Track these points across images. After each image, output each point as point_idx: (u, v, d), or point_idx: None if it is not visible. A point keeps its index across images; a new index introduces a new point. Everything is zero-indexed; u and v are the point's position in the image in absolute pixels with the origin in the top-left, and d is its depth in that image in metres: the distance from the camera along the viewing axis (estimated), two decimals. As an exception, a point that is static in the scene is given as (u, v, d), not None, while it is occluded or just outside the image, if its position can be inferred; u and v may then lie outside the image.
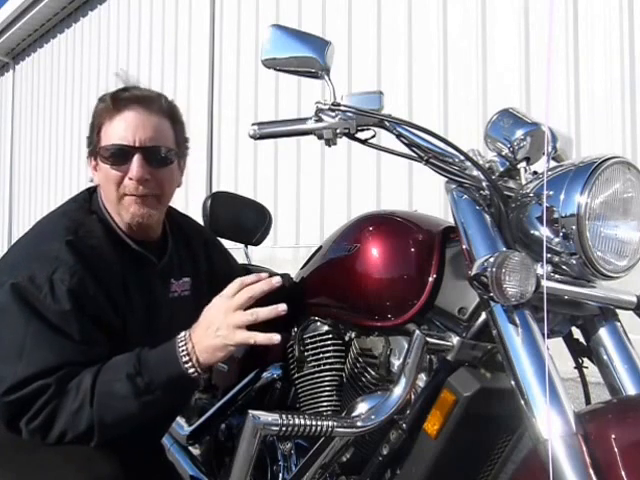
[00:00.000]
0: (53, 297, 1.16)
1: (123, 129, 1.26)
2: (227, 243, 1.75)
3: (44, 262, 1.19)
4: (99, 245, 1.27)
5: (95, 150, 1.31)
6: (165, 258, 1.40)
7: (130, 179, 1.26)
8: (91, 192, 1.38)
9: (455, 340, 1.16)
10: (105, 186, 1.30)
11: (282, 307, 1.13)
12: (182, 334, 1.17)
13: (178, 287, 1.43)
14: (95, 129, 1.31)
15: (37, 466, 1.18)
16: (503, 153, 1.23)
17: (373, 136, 1.24)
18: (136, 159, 1.26)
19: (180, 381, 1.15)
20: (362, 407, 1.22)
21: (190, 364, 1.13)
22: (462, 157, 1.19)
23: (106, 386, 1.13)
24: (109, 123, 1.28)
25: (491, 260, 0.99)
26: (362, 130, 1.22)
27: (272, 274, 1.76)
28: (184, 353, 1.14)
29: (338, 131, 1.20)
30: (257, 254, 2.33)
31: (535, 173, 1.22)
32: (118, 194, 1.28)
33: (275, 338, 1.11)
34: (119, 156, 1.26)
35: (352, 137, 1.22)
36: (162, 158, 1.30)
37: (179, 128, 1.36)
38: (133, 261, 1.32)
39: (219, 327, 1.13)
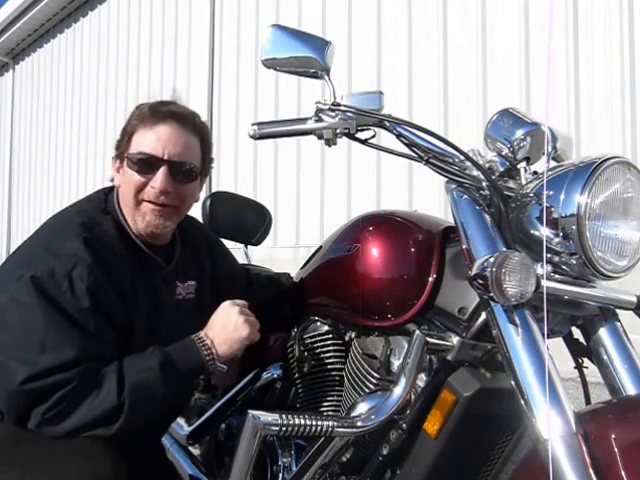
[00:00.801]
0: (72, 293, 1.20)
1: (155, 140, 1.31)
2: (227, 243, 1.75)
3: (62, 258, 1.22)
4: (112, 245, 1.30)
5: (123, 154, 1.35)
6: (173, 262, 1.43)
7: (152, 187, 1.31)
8: (106, 193, 1.41)
9: (455, 340, 1.16)
10: (126, 190, 1.34)
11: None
12: (197, 333, 1.30)
13: (183, 290, 1.46)
14: (127, 135, 1.35)
15: (39, 462, 1.19)
16: (503, 153, 1.23)
17: (373, 136, 1.24)
18: (162, 171, 1.31)
19: (201, 372, 1.29)
20: (362, 407, 1.22)
21: (211, 356, 1.28)
22: (462, 157, 1.19)
23: (138, 376, 1.20)
24: (143, 132, 1.33)
25: (491, 260, 0.99)
26: (362, 130, 1.22)
27: (272, 274, 1.78)
28: (204, 347, 1.28)
29: (338, 131, 1.20)
30: (257, 254, 2.33)
31: (535, 173, 1.22)
32: (137, 199, 1.32)
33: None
34: (147, 165, 1.31)
35: (352, 137, 1.22)
36: (186, 174, 1.35)
37: (206, 148, 1.42)
38: (142, 263, 1.36)
39: (235, 322, 1.30)
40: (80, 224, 1.29)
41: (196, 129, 1.37)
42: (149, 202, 1.32)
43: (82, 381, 1.16)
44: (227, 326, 1.30)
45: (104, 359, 1.20)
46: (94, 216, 1.33)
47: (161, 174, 1.30)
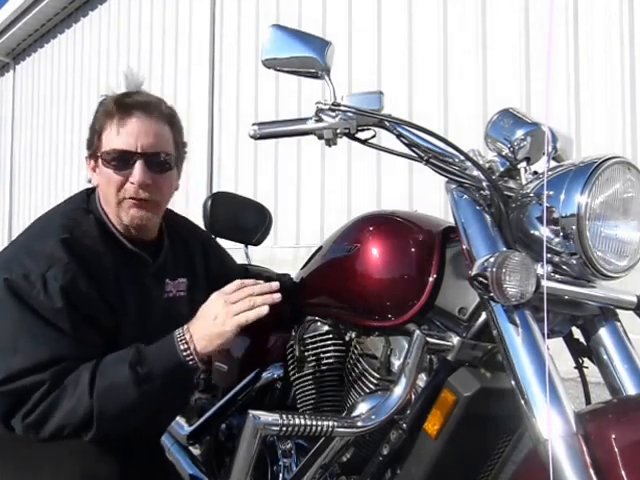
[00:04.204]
0: (46, 294, 1.18)
1: (126, 135, 1.29)
2: (227, 243, 1.75)
3: (38, 259, 1.22)
4: (94, 245, 1.29)
5: (95, 153, 1.33)
6: (160, 258, 1.42)
7: (132, 183, 1.29)
8: (88, 193, 1.40)
9: (455, 340, 1.16)
10: (105, 189, 1.32)
11: (277, 295, 1.21)
12: (181, 327, 1.22)
13: (173, 287, 1.44)
14: (96, 132, 1.33)
15: (36, 461, 1.19)
16: (503, 153, 1.23)
17: (373, 136, 1.24)
18: (138, 165, 1.29)
19: (179, 370, 1.20)
20: (362, 407, 1.22)
21: (188, 352, 1.19)
22: (462, 157, 1.19)
23: (106, 377, 1.16)
24: (111, 128, 1.30)
25: (491, 260, 0.99)
26: (362, 130, 1.22)
27: (272, 274, 1.78)
28: (182, 342, 1.19)
29: (338, 131, 1.20)
30: (257, 254, 2.33)
31: (535, 173, 1.22)
32: (118, 198, 1.31)
33: (264, 310, 1.19)
34: (122, 161, 1.29)
35: (352, 137, 1.22)
36: (163, 164, 1.33)
37: (177, 133, 1.39)
38: (128, 261, 1.34)
39: (217, 316, 1.19)
40: (60, 225, 1.28)
41: (164, 116, 1.35)
42: (130, 198, 1.30)
43: (57, 382, 1.15)
44: (208, 319, 1.20)
45: (82, 359, 1.18)
46: (75, 217, 1.32)
47: (138, 168, 1.28)
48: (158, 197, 1.33)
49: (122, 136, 1.29)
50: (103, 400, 1.15)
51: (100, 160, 1.31)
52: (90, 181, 1.39)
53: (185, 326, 1.22)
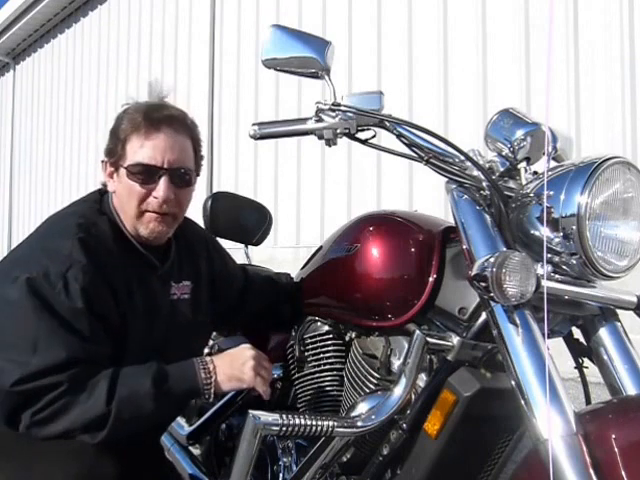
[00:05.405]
0: (67, 294, 1.19)
1: (152, 149, 1.30)
2: (227, 243, 1.75)
3: (57, 259, 1.22)
4: (108, 245, 1.30)
5: (118, 162, 1.33)
6: (168, 262, 1.43)
7: (155, 197, 1.31)
8: (101, 194, 1.41)
9: (455, 340, 1.16)
10: (126, 199, 1.33)
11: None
12: (203, 357, 1.28)
13: (178, 290, 1.45)
14: (120, 141, 1.32)
15: (34, 460, 1.19)
16: (503, 153, 1.23)
17: (373, 136, 1.24)
18: (163, 180, 1.30)
19: (195, 395, 1.25)
20: (362, 407, 1.22)
21: (209, 381, 1.23)
22: (462, 157, 1.19)
23: (127, 387, 1.18)
24: (138, 140, 1.30)
25: (491, 260, 0.99)
26: (362, 130, 1.22)
27: (271, 274, 1.78)
28: (205, 370, 1.24)
29: (338, 131, 1.20)
30: (257, 254, 2.34)
31: (535, 173, 1.22)
32: (139, 210, 1.32)
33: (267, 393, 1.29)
34: (147, 175, 1.31)
35: (352, 137, 1.22)
36: (185, 179, 1.35)
37: (197, 147, 1.42)
38: (138, 263, 1.35)
39: (245, 364, 1.26)
40: (76, 225, 1.29)
41: (188, 130, 1.37)
42: (152, 212, 1.32)
43: (73, 385, 1.15)
44: (235, 363, 1.27)
45: (97, 362, 1.19)
46: (90, 217, 1.33)
47: (163, 183, 1.30)
48: (177, 210, 1.36)
49: (149, 150, 1.30)
50: (122, 407, 1.16)
51: (124, 171, 1.32)
52: (104, 185, 1.39)
53: (208, 357, 1.27)
